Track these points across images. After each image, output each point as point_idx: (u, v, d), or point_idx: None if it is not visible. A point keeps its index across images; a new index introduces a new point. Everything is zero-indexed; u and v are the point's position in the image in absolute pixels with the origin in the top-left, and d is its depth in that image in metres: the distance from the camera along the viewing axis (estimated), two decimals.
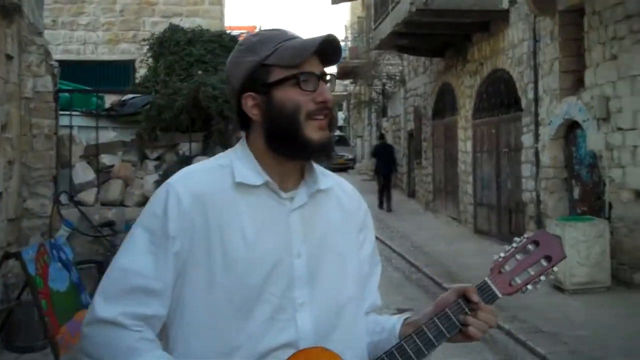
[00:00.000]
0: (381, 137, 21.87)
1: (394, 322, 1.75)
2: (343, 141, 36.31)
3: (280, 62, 1.62)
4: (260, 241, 1.60)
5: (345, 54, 31.05)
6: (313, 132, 1.62)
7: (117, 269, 1.59)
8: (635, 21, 8.24)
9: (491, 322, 1.67)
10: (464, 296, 1.67)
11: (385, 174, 18.51)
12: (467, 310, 1.65)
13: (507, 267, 1.71)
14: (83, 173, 8.43)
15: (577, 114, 9.57)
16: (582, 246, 8.24)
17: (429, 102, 17.64)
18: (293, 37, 1.67)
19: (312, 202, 1.70)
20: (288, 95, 1.62)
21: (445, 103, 16.33)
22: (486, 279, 1.70)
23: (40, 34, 8.30)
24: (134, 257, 1.58)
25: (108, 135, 9.22)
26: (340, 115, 50.80)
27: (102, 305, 1.55)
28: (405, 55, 19.85)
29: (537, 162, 10.85)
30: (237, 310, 1.56)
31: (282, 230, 1.63)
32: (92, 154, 8.59)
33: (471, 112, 14.11)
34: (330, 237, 1.70)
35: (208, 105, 8.36)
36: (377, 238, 9.94)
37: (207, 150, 8.46)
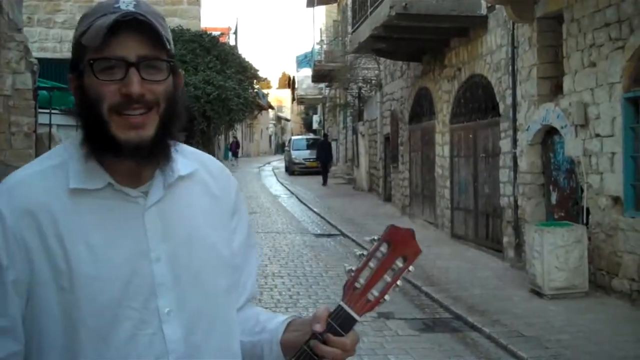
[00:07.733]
0: (324, 135, 32.66)
1: (277, 325, 1.58)
2: None
3: (87, 41, 1.35)
4: (111, 252, 1.37)
5: (320, 57, 31.12)
6: (120, 130, 1.35)
7: None
8: (613, 29, 8.34)
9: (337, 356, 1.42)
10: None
11: (323, 161, 28.27)
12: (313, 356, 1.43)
13: (361, 281, 1.45)
14: None
15: (555, 120, 9.66)
16: (561, 251, 8.32)
17: (405, 106, 17.70)
18: (113, 12, 1.35)
19: (172, 194, 1.46)
20: (91, 83, 1.36)
21: (422, 107, 16.40)
22: (340, 302, 1.45)
23: (19, 30, 8.19)
24: None
25: None
26: (315, 118, 50.87)
27: None
28: (382, 59, 19.91)
29: (515, 168, 10.93)
30: (93, 333, 1.35)
31: (137, 234, 1.41)
32: None
33: (449, 116, 14.19)
34: (198, 230, 1.48)
35: (190, 105, 8.31)
36: (354, 242, 9.85)
37: None
